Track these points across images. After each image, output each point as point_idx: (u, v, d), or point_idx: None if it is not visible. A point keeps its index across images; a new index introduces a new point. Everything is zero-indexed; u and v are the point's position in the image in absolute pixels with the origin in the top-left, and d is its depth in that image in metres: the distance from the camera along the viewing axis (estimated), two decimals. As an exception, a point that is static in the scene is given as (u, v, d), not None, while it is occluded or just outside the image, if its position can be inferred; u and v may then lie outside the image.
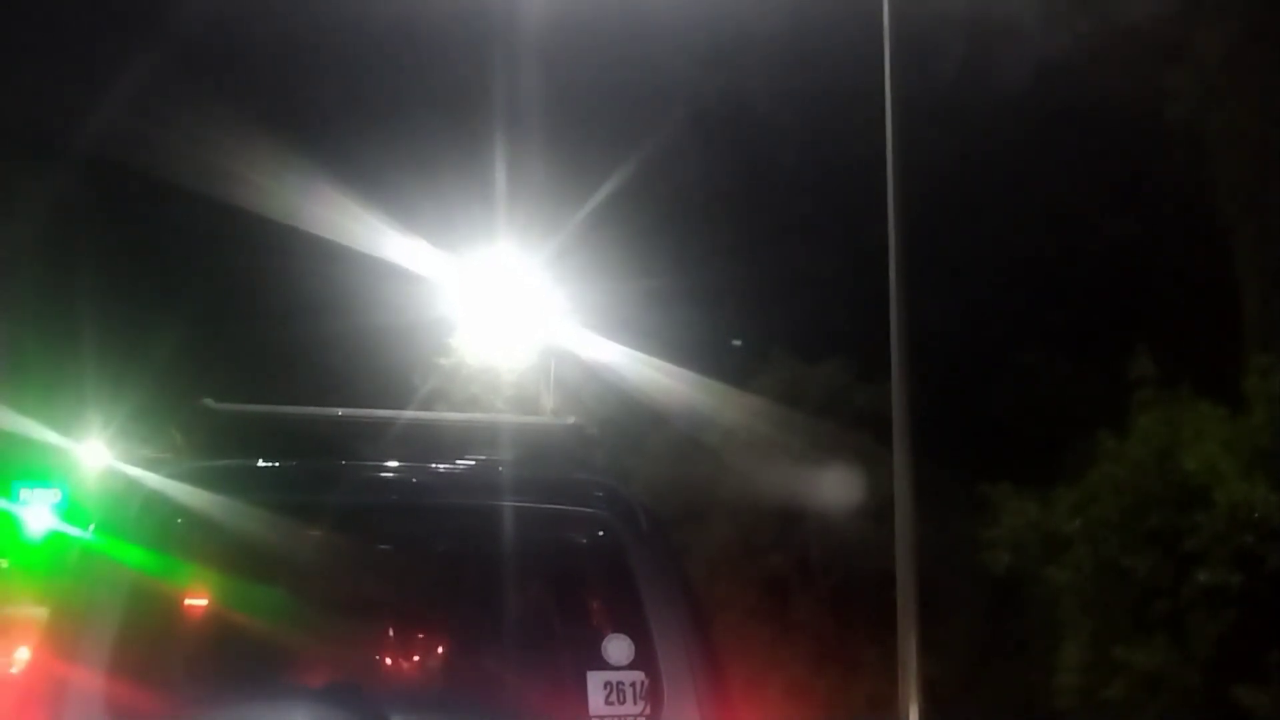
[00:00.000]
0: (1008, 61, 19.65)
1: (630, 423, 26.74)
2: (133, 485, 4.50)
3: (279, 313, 33.22)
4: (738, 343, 25.76)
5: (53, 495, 41.04)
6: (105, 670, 4.03)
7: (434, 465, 4.63)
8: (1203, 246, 18.92)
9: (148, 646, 4.16)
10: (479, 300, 27.93)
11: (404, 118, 33.18)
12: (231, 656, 4.32)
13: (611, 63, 28.98)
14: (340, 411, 5.27)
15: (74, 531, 42.42)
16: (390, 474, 4.62)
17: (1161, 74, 17.95)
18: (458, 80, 30.88)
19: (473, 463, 4.71)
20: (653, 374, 26.08)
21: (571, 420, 5.10)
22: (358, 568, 4.51)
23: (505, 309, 27.99)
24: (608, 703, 4.08)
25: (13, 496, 40.13)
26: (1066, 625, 11.92)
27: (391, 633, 4.52)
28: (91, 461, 41.98)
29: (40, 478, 40.84)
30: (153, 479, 4.42)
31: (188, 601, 4.42)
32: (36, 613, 47.03)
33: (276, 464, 4.56)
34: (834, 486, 20.84)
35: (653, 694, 4.12)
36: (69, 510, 40.57)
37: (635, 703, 4.09)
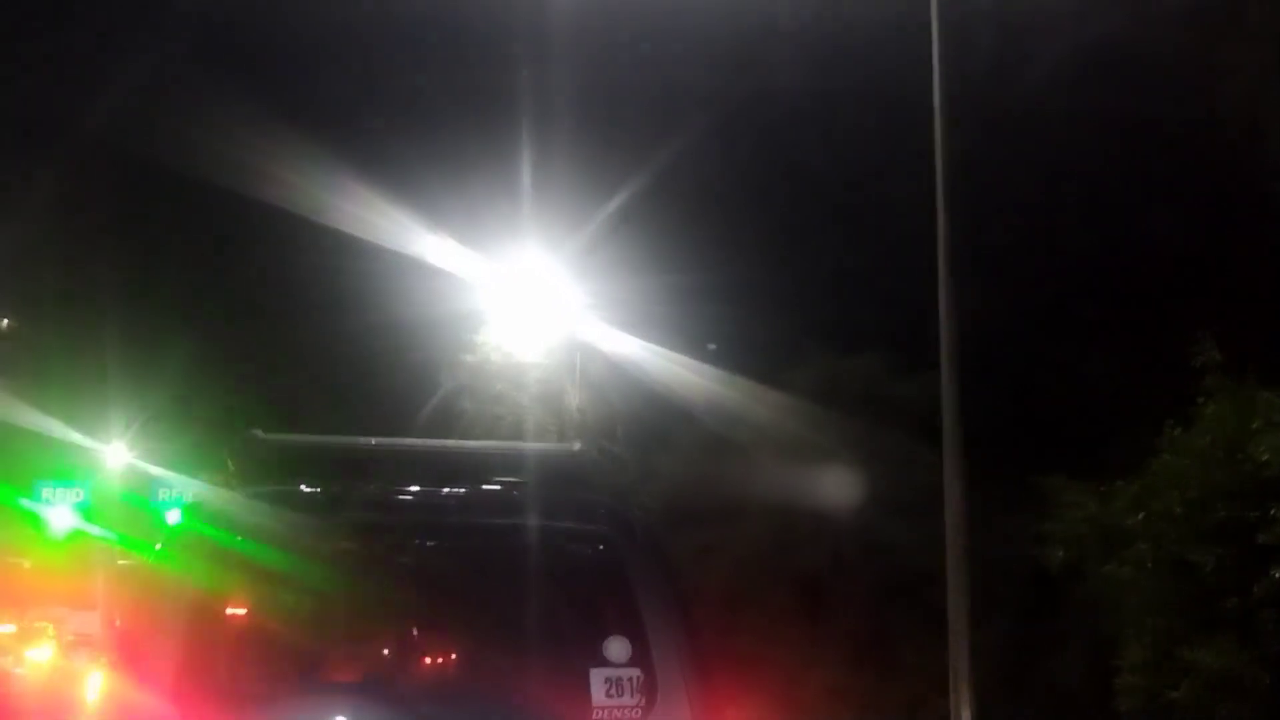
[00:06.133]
0: (1052, 46, 19.24)
1: (656, 418, 26.43)
2: (198, 506, 5.23)
3: (305, 308, 33.02)
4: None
5: (75, 495, 40.86)
6: (172, 675, 4.55)
7: (456, 488, 5.23)
8: (1262, 232, 18.47)
9: (212, 654, 4.69)
10: (505, 296, 27.63)
11: (431, 115, 32.94)
12: (281, 660, 4.87)
13: (637, 60, 28.70)
14: (374, 440, 5.92)
15: (95, 531, 42.38)
16: (417, 496, 5.20)
17: (1215, 52, 17.51)
18: (485, 77, 30.65)
19: (491, 486, 5.29)
20: (679, 370, 25.75)
21: (578, 446, 5.61)
22: (390, 580, 5.06)
23: (531, 305, 27.69)
24: (608, 696, 4.64)
25: (35, 496, 39.98)
26: (1128, 624, 11.44)
27: (420, 636, 5.06)
28: (113, 461, 41.84)
29: (62, 477, 40.68)
30: (215, 500, 5.12)
31: (244, 612, 4.96)
32: (59, 613, 46.83)
33: (318, 489, 5.15)
34: (869, 482, 20.47)
35: (648, 688, 4.68)
36: (90, 510, 40.45)
37: (632, 696, 4.66)
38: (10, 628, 42.11)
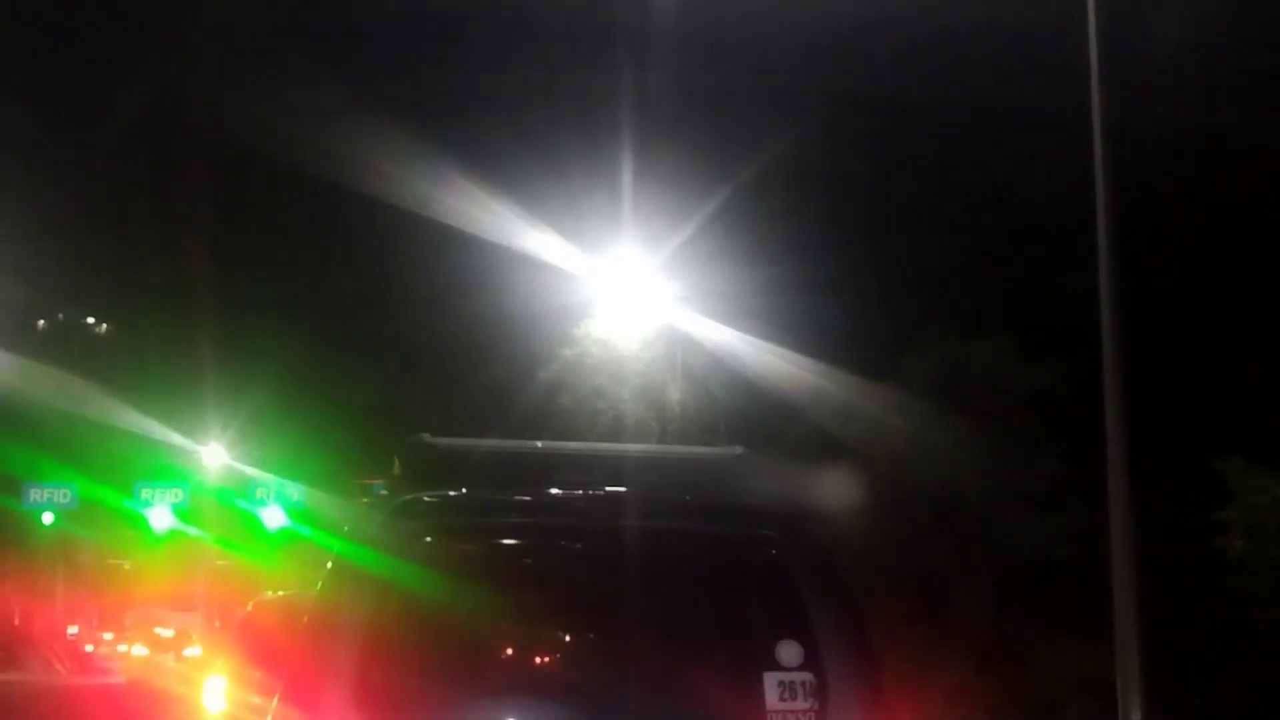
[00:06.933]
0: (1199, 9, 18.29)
1: (760, 413, 25.87)
2: (376, 508, 5.16)
3: (405, 302, 32.95)
4: None
5: (173, 495, 41.08)
6: (354, 676, 4.60)
7: (626, 492, 5.27)
8: None
9: (391, 654, 4.71)
10: (605, 289, 27.23)
11: (534, 109, 32.70)
12: (458, 664, 4.86)
13: (739, 53, 28.23)
14: (539, 444, 6.08)
15: (193, 531, 42.74)
16: (590, 500, 5.20)
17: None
18: (587, 71, 30.34)
19: (659, 489, 5.34)
20: (783, 363, 25.16)
21: (739, 450, 5.64)
22: (562, 583, 5.14)
23: (631, 298, 27.25)
24: (781, 699, 4.70)
25: (134, 497, 40.28)
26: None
27: (594, 640, 5.12)
28: (212, 462, 42.08)
29: (161, 478, 40.94)
30: (392, 504, 5.04)
31: (424, 612, 4.92)
32: (159, 613, 47.42)
33: (490, 493, 5.21)
34: (993, 473, 19.72)
35: (820, 692, 4.71)
36: (189, 510, 40.70)
37: (805, 700, 4.70)
38: (169, 630, 43.41)
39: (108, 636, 44.62)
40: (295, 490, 40.07)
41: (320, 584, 5.00)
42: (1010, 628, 18.99)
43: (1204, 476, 11.58)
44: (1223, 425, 15.23)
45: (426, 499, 5.09)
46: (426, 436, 5.55)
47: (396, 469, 5.47)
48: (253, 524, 40.89)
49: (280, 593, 16.91)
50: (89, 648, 45.98)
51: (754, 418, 26.01)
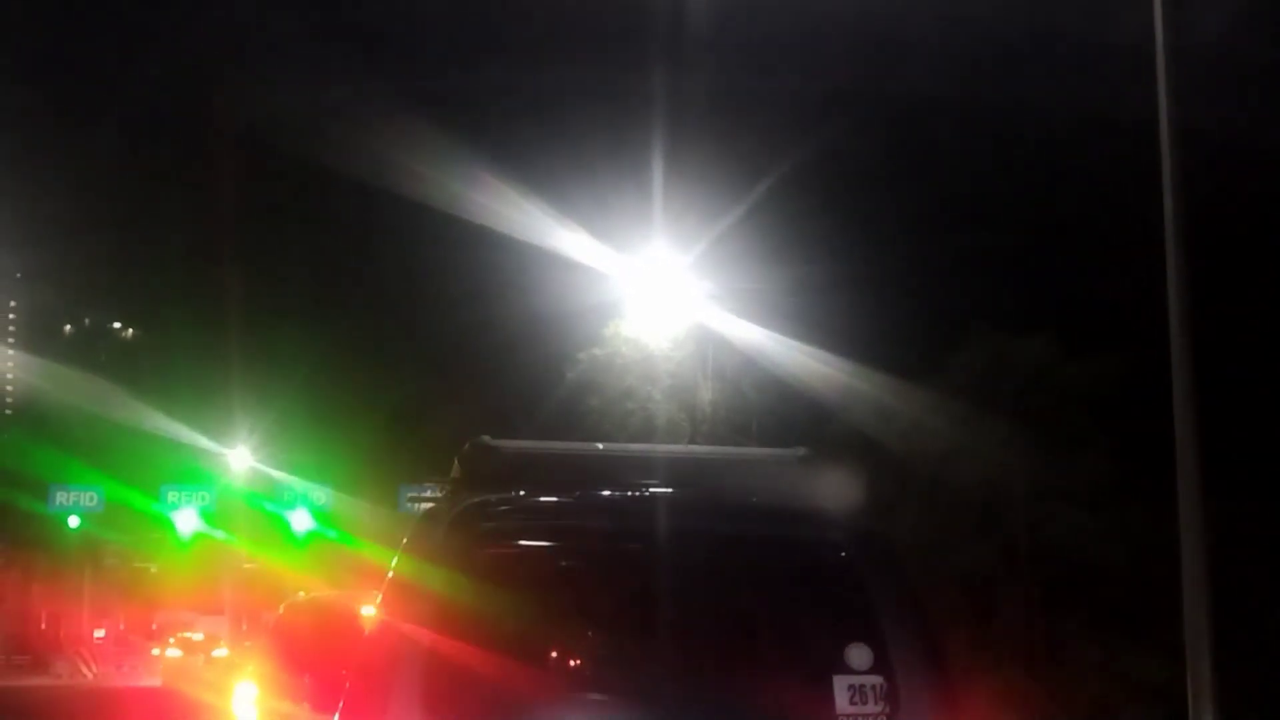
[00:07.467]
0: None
1: (790, 412, 25.54)
2: (437, 514, 5.04)
3: (434, 302, 32.77)
4: None
5: (200, 499, 41.04)
6: (420, 687, 4.54)
7: (691, 494, 5.20)
8: None
9: (457, 662, 4.60)
10: (636, 289, 26.94)
11: (565, 108, 32.48)
12: (523, 670, 4.73)
13: (771, 50, 27.96)
14: (601, 446, 6.16)
15: (220, 535, 42.65)
16: (654, 502, 5.16)
17: None
18: (618, 72, 30.09)
19: (728, 492, 5.29)
20: (816, 364, 24.81)
21: (803, 452, 5.55)
22: (630, 586, 5.01)
23: (662, 298, 26.95)
24: (852, 703, 4.69)
25: (161, 500, 40.24)
26: None
27: (664, 643, 4.98)
28: (238, 465, 42.01)
29: (188, 481, 40.90)
30: (456, 508, 4.95)
31: (491, 618, 4.81)
32: (186, 617, 47.39)
33: (555, 496, 5.15)
34: (1038, 473, 19.30)
35: (890, 696, 4.69)
36: (215, 514, 40.64)
37: (875, 703, 4.69)
38: (199, 635, 43.69)
39: (173, 640, 44.91)
40: (322, 493, 40.01)
41: (381, 594, 4.87)
42: (1059, 630, 18.57)
43: (1275, 469, 11.15)
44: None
45: (494, 502, 4.98)
46: (488, 439, 5.47)
47: (456, 472, 5.34)
48: (280, 527, 40.82)
49: (311, 594, 16.64)
50: (155, 651, 46.14)
51: (786, 418, 25.71)
